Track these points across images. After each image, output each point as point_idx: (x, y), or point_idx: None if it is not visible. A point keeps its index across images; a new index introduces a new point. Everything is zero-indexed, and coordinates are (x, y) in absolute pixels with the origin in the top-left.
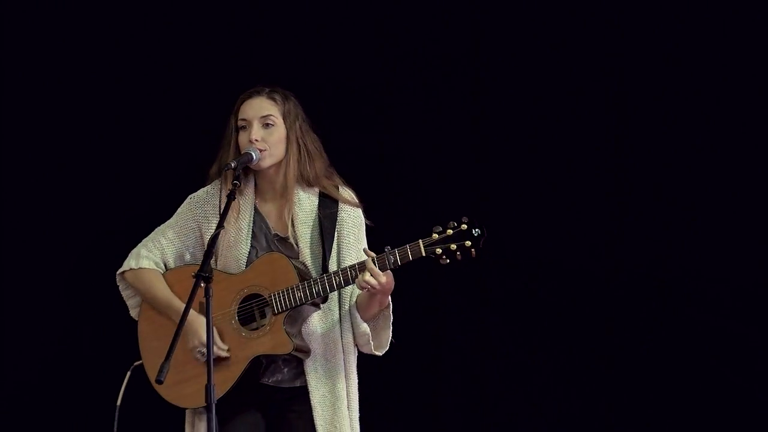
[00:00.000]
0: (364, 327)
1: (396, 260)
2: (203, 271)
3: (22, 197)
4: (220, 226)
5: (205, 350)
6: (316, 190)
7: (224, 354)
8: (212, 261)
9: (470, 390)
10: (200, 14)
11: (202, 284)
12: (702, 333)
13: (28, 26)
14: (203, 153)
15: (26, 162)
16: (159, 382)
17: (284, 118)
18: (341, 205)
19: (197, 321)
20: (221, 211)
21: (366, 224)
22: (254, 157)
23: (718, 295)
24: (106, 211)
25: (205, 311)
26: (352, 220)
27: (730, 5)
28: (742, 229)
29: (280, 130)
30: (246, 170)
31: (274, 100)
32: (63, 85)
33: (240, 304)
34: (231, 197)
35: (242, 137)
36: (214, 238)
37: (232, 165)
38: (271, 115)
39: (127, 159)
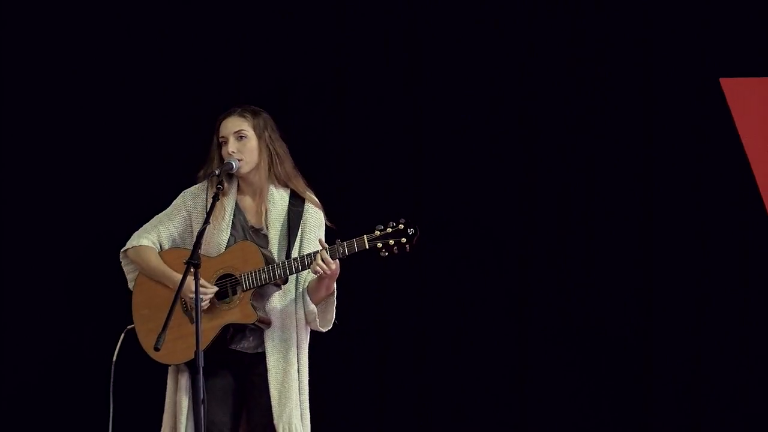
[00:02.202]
0: (312, 307)
1: (344, 251)
2: (193, 259)
3: (22, 197)
4: (206, 222)
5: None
6: (288, 189)
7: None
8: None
9: (407, 358)
10: (195, 35)
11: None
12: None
13: (32, 33)
14: (195, 159)
15: (26, 162)
16: (156, 349)
17: (254, 130)
18: (307, 206)
19: (187, 286)
20: (208, 208)
21: (327, 225)
22: (234, 167)
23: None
24: (106, 212)
25: (195, 292)
26: (315, 221)
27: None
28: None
29: (252, 140)
30: (229, 175)
31: (244, 117)
32: (63, 86)
33: (216, 281)
34: (216, 199)
35: (223, 150)
36: (202, 232)
37: (217, 172)
38: (242, 129)
39: (127, 162)
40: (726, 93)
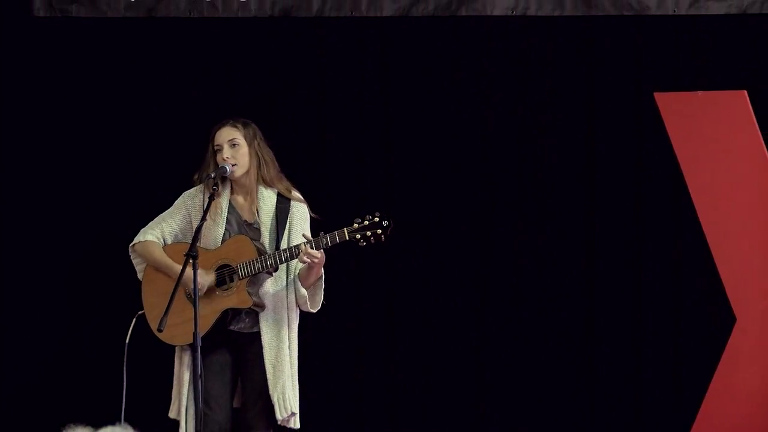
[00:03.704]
0: (303, 291)
1: (327, 242)
2: (192, 251)
3: (22, 197)
4: (203, 219)
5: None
6: (275, 190)
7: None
8: (199, 241)
9: (381, 334)
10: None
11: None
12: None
13: (36, 35)
14: (189, 164)
15: (27, 163)
16: (160, 331)
17: (245, 138)
18: (293, 202)
19: (188, 276)
20: (204, 207)
21: (312, 217)
22: (227, 170)
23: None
24: (106, 212)
25: (193, 280)
26: (300, 215)
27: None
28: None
29: (243, 147)
30: (223, 178)
31: (236, 127)
32: (64, 87)
33: (215, 270)
34: (211, 199)
35: (218, 157)
36: (199, 228)
37: (212, 175)
38: (235, 138)
39: (127, 164)
40: (660, 106)
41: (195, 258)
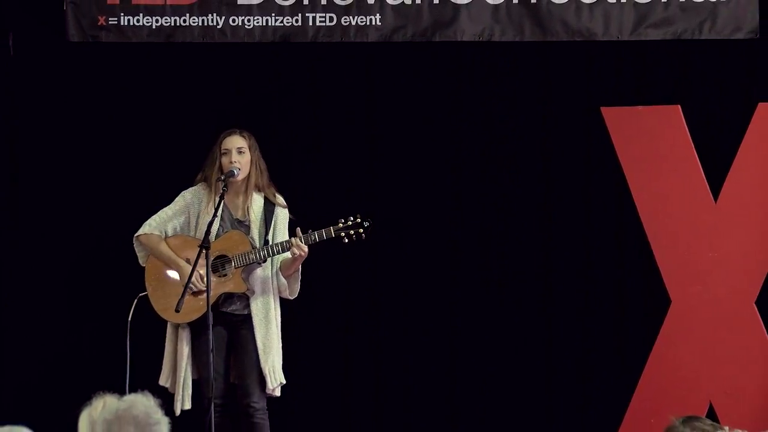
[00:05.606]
0: (284, 280)
1: (315, 238)
2: (205, 242)
3: (22, 198)
4: (215, 215)
5: (196, 283)
6: (262, 194)
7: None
8: (196, 233)
9: (360, 317)
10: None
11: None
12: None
13: (44, 41)
14: (190, 165)
15: (27, 164)
16: (177, 311)
17: (249, 148)
18: (276, 207)
19: (189, 267)
20: (215, 205)
21: (291, 218)
22: (235, 174)
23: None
24: (105, 213)
25: (206, 266)
26: (282, 217)
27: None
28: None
29: (247, 155)
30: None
31: (244, 137)
32: (66, 89)
33: (213, 260)
34: (221, 198)
35: (224, 160)
36: (210, 224)
37: (222, 178)
38: (242, 146)
39: (127, 165)
40: (606, 119)
41: (208, 248)
